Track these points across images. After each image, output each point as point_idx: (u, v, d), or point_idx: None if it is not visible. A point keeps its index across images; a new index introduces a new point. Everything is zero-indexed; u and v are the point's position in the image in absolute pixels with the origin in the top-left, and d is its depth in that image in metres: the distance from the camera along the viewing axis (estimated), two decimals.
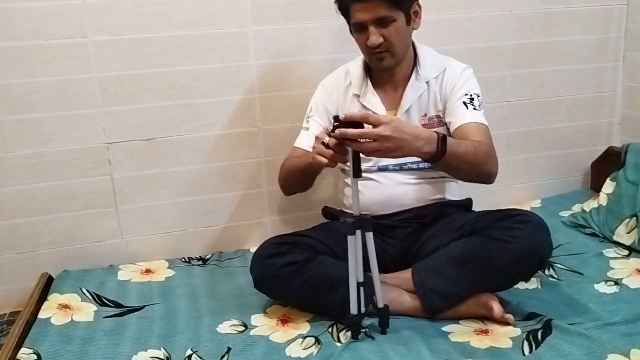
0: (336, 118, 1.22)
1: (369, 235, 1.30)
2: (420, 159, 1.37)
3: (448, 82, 1.53)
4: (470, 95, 1.50)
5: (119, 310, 1.52)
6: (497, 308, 1.35)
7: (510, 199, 2.12)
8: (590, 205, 1.92)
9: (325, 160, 1.26)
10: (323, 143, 1.25)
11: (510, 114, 2.07)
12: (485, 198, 2.02)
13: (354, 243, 1.29)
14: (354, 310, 1.30)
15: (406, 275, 1.46)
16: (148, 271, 1.76)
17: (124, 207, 1.82)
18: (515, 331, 1.32)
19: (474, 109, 1.48)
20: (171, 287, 1.65)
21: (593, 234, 1.82)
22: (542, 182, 2.18)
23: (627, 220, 1.73)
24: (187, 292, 1.61)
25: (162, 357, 1.29)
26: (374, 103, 1.56)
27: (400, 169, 1.56)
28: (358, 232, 1.29)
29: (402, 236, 1.58)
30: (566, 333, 1.28)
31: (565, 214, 1.99)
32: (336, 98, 1.62)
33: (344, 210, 1.68)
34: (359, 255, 1.29)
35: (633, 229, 1.70)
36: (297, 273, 1.39)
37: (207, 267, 1.79)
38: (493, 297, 1.38)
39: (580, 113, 2.15)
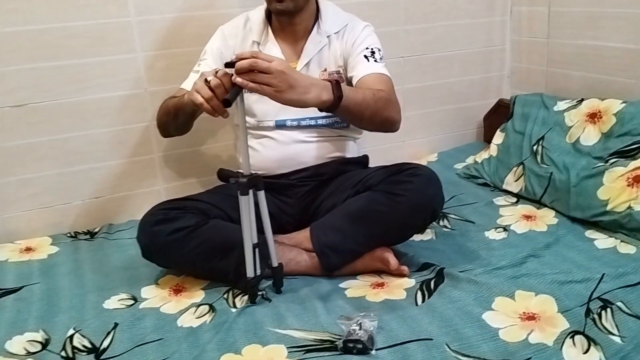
0: (227, 64, 1.17)
1: (261, 194, 1.25)
2: (319, 114, 1.33)
3: (349, 38, 1.51)
4: (372, 49, 1.49)
5: None
6: (392, 260, 1.36)
7: (409, 154, 2.14)
8: (482, 156, 1.97)
9: (200, 99, 1.18)
10: (206, 80, 1.17)
11: (405, 70, 2.08)
12: (384, 154, 2.04)
13: (247, 204, 1.24)
14: (250, 273, 1.26)
15: (304, 234, 1.44)
16: (28, 249, 1.62)
17: None
18: (410, 282, 1.33)
19: (375, 61, 1.47)
20: (54, 264, 1.53)
21: (485, 184, 1.89)
22: (439, 136, 2.22)
23: (515, 168, 1.80)
24: (71, 269, 1.50)
25: (40, 339, 1.19)
26: (275, 53, 1.50)
27: (299, 125, 1.52)
28: (250, 192, 1.24)
29: (300, 195, 1.55)
30: (457, 280, 1.31)
31: (459, 166, 2.04)
32: (233, 44, 1.54)
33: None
34: (252, 216, 1.25)
35: (520, 177, 1.77)
36: (187, 239, 1.32)
37: (95, 241, 1.67)
38: (388, 251, 1.38)
39: (472, 67, 2.19)
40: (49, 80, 1.64)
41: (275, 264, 1.31)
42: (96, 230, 1.74)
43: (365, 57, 1.47)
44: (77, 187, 1.75)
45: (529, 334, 1.10)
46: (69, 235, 1.71)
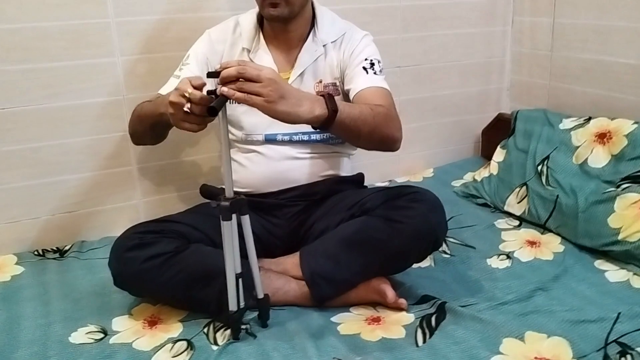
0: (210, 74, 1.06)
1: (245, 219, 1.13)
2: (311, 129, 1.24)
3: (347, 48, 1.40)
4: (371, 60, 1.38)
5: None
6: (390, 293, 1.24)
7: (403, 169, 2.04)
8: (481, 174, 1.87)
9: (176, 116, 1.06)
10: (183, 96, 1.04)
11: (402, 81, 1.97)
12: (378, 169, 1.93)
13: (230, 230, 1.11)
14: (232, 306, 1.14)
15: (293, 259, 1.32)
16: None
17: None
18: (409, 318, 1.22)
19: (374, 73, 1.36)
20: (17, 288, 1.39)
21: (485, 204, 1.78)
22: (435, 150, 2.12)
23: (518, 189, 1.70)
24: (36, 294, 1.36)
25: None
26: (266, 62, 1.38)
27: (290, 140, 1.40)
28: (234, 216, 1.12)
29: (289, 216, 1.43)
30: (460, 317, 1.20)
31: (457, 183, 1.94)
32: (222, 49, 1.42)
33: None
34: (235, 242, 1.13)
35: (523, 199, 1.67)
36: (164, 267, 1.20)
37: (64, 261, 1.54)
38: (385, 282, 1.27)
39: (470, 79, 2.09)
40: (19, 85, 1.50)
41: (260, 295, 1.19)
42: (66, 247, 1.61)
43: (364, 68, 1.36)
44: (47, 200, 1.61)
45: None
46: (36, 253, 1.58)
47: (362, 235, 1.24)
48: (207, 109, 1.02)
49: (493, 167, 1.83)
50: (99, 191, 1.67)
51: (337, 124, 1.14)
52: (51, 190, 1.61)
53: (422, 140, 2.08)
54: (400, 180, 2.00)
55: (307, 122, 1.12)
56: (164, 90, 1.37)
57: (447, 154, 2.13)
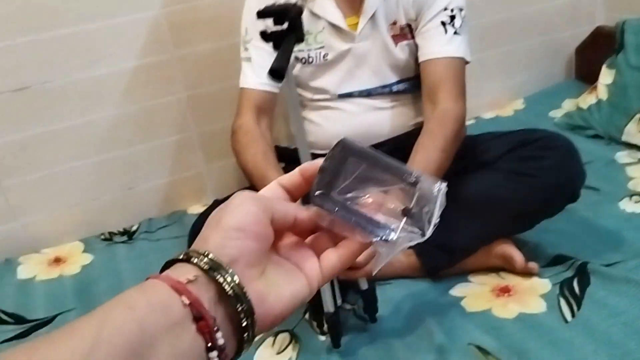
0: (262, 13, 0.82)
1: None
2: (391, 80, 1.15)
3: None
4: (452, 10, 1.12)
5: (20, 328, 1.13)
6: (518, 257, 1.05)
7: (488, 103, 1.80)
8: (587, 100, 1.61)
9: None
10: None
11: (481, 1, 1.70)
12: None
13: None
14: (328, 307, 0.94)
15: None
16: (58, 260, 1.36)
17: (9, 181, 1.37)
18: (544, 285, 1.03)
19: (454, 32, 1.11)
20: (90, 281, 1.26)
21: (596, 136, 1.53)
22: (522, 78, 1.85)
23: (638, 115, 1.44)
24: (109, 286, 1.23)
25: None
26: (327, 9, 1.15)
27: (369, 95, 1.19)
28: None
29: None
30: (608, 280, 1.00)
31: (556, 114, 1.68)
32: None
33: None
34: None
35: None
36: None
37: (134, 244, 1.40)
38: (510, 244, 1.07)
39: None
40: (51, 56, 1.32)
41: (364, 285, 1.00)
42: (134, 228, 1.47)
43: (443, 24, 1.11)
44: (105, 179, 1.46)
45: None
46: (102, 237, 1.44)
47: (483, 195, 1.04)
48: (270, 72, 0.80)
49: (601, 91, 1.57)
50: (158, 163, 1.51)
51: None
52: (108, 168, 1.46)
53: (506, 67, 1.82)
54: (488, 116, 1.76)
55: None
56: (245, 82, 1.18)
57: (536, 81, 1.86)
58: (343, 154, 0.41)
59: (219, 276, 0.33)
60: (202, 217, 1.12)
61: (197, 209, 1.51)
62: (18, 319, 1.16)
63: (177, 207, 1.54)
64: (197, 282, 0.33)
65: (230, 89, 1.21)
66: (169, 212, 1.53)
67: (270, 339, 1.00)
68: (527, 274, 1.06)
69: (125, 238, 1.43)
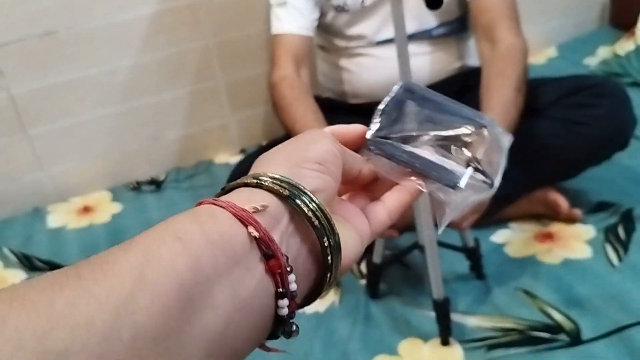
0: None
1: None
2: (433, 24, 1.11)
3: None
4: None
5: None
6: (563, 203, 1.03)
7: None
8: (624, 47, 1.56)
9: None
10: None
11: None
12: None
13: None
14: (377, 257, 0.93)
15: None
16: (87, 209, 1.36)
17: (35, 130, 1.35)
18: (588, 231, 1.01)
19: None
20: (120, 230, 1.26)
21: (634, 83, 1.49)
22: (553, 24, 1.79)
23: None
24: None
25: None
26: None
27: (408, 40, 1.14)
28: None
29: None
30: None
31: (591, 61, 1.63)
32: None
33: (330, 97, 1.27)
34: None
35: None
36: None
37: (163, 193, 1.39)
38: (554, 190, 1.05)
39: None
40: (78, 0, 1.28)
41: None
42: (161, 178, 1.45)
43: None
44: (131, 127, 1.44)
45: None
46: (130, 187, 1.43)
47: (535, 143, 1.00)
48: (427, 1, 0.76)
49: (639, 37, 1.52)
50: (184, 112, 1.48)
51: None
52: (133, 116, 1.43)
53: (536, 13, 1.75)
54: None
55: None
56: (279, 28, 1.11)
57: (568, 27, 1.80)
58: (404, 97, 0.36)
59: (302, 204, 0.27)
60: (243, 164, 1.09)
61: (224, 158, 1.49)
62: (53, 266, 1.16)
63: (204, 157, 1.52)
64: (264, 212, 0.26)
65: (258, 36, 1.16)
66: (195, 161, 1.51)
67: None
68: (569, 220, 1.04)
69: (153, 187, 1.42)
